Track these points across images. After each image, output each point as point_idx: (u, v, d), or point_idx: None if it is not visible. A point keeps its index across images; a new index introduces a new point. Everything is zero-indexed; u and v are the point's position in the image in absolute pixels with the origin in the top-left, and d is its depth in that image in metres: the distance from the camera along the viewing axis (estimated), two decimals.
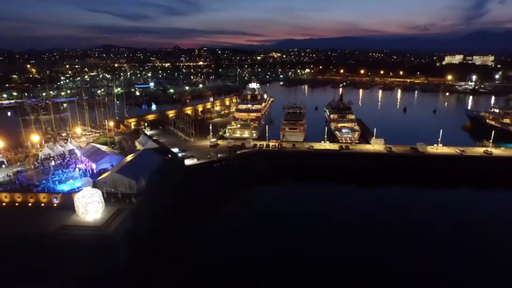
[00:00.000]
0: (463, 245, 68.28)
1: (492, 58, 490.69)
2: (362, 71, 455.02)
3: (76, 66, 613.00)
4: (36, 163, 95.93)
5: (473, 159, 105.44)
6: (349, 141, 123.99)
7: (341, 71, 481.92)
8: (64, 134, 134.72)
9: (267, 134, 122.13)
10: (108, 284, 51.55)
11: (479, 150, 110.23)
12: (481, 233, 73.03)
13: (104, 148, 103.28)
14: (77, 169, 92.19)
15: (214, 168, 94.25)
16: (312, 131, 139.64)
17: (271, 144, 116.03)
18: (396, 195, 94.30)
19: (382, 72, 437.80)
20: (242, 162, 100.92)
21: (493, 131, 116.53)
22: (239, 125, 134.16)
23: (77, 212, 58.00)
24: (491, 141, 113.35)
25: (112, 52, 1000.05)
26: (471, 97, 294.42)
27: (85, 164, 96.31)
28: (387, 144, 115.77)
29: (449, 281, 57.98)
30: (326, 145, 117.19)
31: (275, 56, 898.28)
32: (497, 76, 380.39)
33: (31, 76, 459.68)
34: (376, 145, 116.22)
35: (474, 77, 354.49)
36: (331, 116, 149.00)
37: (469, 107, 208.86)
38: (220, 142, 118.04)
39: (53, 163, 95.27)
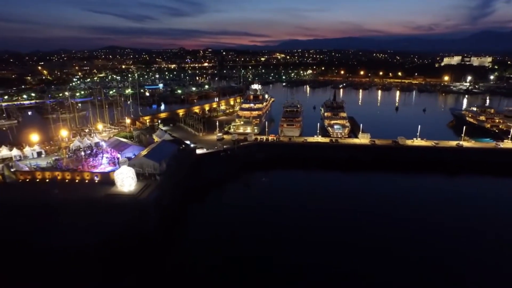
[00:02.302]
0: (431, 222, 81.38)
1: (489, 59, 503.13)
2: (362, 72, 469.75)
3: (86, 68, 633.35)
4: (69, 153, 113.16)
5: (445, 150, 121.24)
6: (339, 136, 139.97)
7: (342, 72, 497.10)
8: (87, 130, 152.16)
9: (266, 130, 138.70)
10: (142, 237, 68.44)
11: (452, 143, 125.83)
12: (448, 213, 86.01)
13: (125, 141, 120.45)
14: (104, 158, 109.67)
15: (221, 156, 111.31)
16: (309, 127, 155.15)
17: (270, 138, 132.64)
18: (376, 180, 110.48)
19: (381, 73, 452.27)
20: (245, 152, 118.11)
21: (464, 127, 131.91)
22: (242, 122, 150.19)
23: (116, 185, 75.08)
24: (463, 135, 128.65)
25: (118, 53, 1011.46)
26: (466, 97, 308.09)
27: (111, 154, 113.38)
28: (372, 138, 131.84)
29: (418, 248, 70.82)
30: (318, 139, 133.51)
31: (279, 57, 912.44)
32: (491, 77, 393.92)
33: (43, 77, 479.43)
34: (362, 139, 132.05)
35: (469, 78, 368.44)
36: (325, 114, 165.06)
37: (454, 106, 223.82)
38: (225, 136, 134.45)
39: (82, 153, 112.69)
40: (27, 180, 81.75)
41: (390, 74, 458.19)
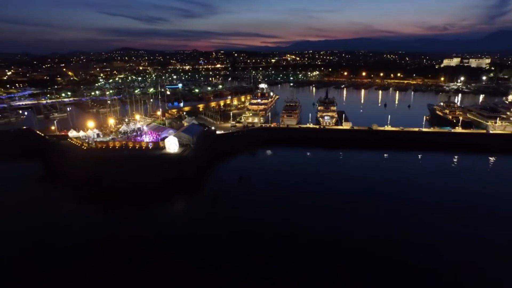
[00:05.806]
0: (396, 183, 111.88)
1: (487, 60, 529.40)
2: (364, 73, 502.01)
3: (107, 70, 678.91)
4: (120, 134, 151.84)
5: (407, 133, 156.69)
6: (327, 124, 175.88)
7: (345, 73, 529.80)
8: (126, 120, 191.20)
9: (270, 120, 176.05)
10: (185, 179, 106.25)
11: (415, 129, 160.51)
12: (404, 177, 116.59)
13: (162, 126, 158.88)
14: (147, 137, 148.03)
15: (234, 136, 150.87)
16: (305, 119, 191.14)
17: (272, 125, 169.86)
18: (351, 153, 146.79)
19: (382, 74, 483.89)
20: (252, 133, 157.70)
21: (425, 117, 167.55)
22: (251, 114, 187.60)
23: (165, 149, 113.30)
24: (423, 123, 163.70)
25: (133, 54, 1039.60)
26: (459, 96, 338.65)
27: (151, 135, 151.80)
28: (353, 125, 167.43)
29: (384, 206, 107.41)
30: (309, 126, 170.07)
31: (289, 58, 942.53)
32: (484, 78, 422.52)
33: (72, 78, 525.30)
34: (345, 126, 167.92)
35: (461, 78, 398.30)
36: (319, 107, 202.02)
37: (431, 102, 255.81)
38: (237, 124, 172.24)
39: (129, 134, 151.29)
40: (103, 147, 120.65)
41: (392, 75, 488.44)
